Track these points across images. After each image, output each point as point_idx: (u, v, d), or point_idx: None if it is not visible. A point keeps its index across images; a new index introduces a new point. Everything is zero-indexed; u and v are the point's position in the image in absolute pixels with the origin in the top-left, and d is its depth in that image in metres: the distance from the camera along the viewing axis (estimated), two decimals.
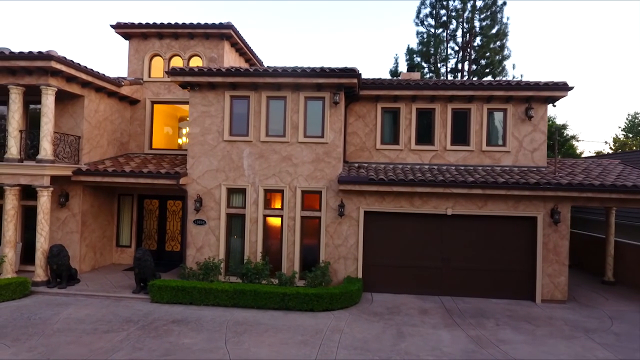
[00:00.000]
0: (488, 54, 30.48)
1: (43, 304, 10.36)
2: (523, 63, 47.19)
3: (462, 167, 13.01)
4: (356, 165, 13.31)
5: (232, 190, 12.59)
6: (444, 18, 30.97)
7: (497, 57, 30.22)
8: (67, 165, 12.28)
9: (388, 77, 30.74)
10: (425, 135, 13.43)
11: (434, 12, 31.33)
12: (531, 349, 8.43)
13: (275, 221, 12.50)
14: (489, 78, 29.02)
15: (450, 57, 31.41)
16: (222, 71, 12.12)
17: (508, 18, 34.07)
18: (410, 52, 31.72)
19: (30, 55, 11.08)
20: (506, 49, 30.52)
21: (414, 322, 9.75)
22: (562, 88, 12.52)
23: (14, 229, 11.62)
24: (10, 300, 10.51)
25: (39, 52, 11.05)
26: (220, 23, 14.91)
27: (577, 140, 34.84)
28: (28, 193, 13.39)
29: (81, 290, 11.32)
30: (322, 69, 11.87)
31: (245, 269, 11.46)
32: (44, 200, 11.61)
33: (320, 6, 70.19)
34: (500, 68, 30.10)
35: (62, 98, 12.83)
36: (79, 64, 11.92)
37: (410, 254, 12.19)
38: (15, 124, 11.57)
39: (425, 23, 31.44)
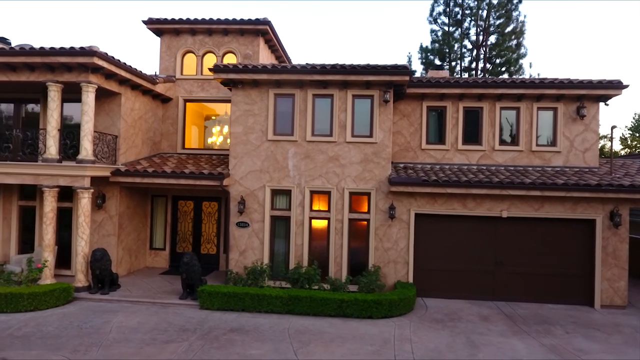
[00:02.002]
0: (504, 52, 30.12)
1: (89, 311, 9.91)
2: (538, 62, 46.84)
3: (512, 168, 12.62)
4: (401, 165, 12.91)
5: (276, 191, 12.15)
6: (458, 16, 30.61)
7: (514, 55, 29.86)
8: (106, 166, 11.82)
9: None
10: (472, 134, 13.03)
11: (448, 10, 30.93)
12: (613, 358, 8.05)
13: (321, 224, 12.08)
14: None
15: (465, 55, 31.04)
16: (268, 68, 11.68)
17: (525, 16, 33.79)
18: (425, 50, 31.34)
19: (72, 51, 10.61)
20: (522, 47, 30.12)
21: (480, 330, 9.36)
22: (616, 86, 12.14)
23: (53, 232, 11.15)
24: (55, 307, 10.05)
25: (81, 48, 10.59)
26: (257, 19, 14.46)
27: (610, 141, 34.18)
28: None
29: (125, 296, 10.86)
30: (374, 66, 11.45)
31: (296, 274, 11.03)
32: (85, 202, 11.15)
33: (325, 5, 69.69)
34: (517, 66, 29.76)
35: (98, 96, 12.32)
36: (119, 60, 11.47)
37: (461, 257, 11.80)
38: (54, 123, 11.09)
39: (439, 21, 31.07)
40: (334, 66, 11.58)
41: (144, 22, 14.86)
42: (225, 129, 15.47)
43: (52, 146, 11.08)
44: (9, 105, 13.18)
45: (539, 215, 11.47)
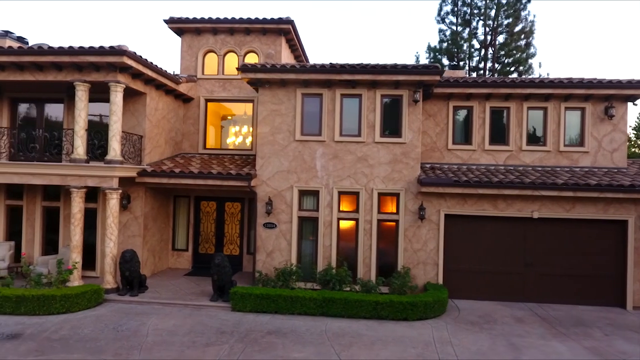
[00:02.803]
0: (513, 51, 30.04)
1: (121, 313, 9.80)
2: (547, 61, 46.88)
3: (540, 168, 12.55)
4: (428, 166, 12.82)
5: (304, 192, 12.04)
6: (467, 16, 30.54)
7: (523, 55, 29.80)
8: (133, 166, 11.71)
9: None
10: (499, 135, 12.95)
11: (456, 9, 30.86)
12: None
13: (349, 225, 11.98)
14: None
15: (473, 55, 30.96)
16: (296, 67, 11.57)
17: (535, 15, 33.73)
18: (433, 50, 31.24)
19: (101, 50, 10.49)
20: (532, 47, 30.04)
21: (518, 333, 9.27)
22: None
23: (81, 233, 11.03)
24: (86, 309, 9.93)
25: (111, 47, 10.47)
26: (280, 18, 14.35)
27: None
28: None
29: (155, 298, 10.75)
30: (404, 66, 11.35)
31: (328, 275, 10.94)
32: (114, 203, 11.03)
33: (327, 5, 69.52)
34: (527, 66, 29.69)
35: (124, 95, 12.16)
36: (146, 59, 11.35)
37: (491, 258, 11.71)
38: (82, 123, 10.96)
39: (447, 21, 31.01)
40: (363, 66, 11.48)
41: (165, 21, 14.74)
42: (245, 128, 15.34)
43: (79, 146, 10.95)
44: (31, 105, 13.05)
45: (570, 216, 11.39)
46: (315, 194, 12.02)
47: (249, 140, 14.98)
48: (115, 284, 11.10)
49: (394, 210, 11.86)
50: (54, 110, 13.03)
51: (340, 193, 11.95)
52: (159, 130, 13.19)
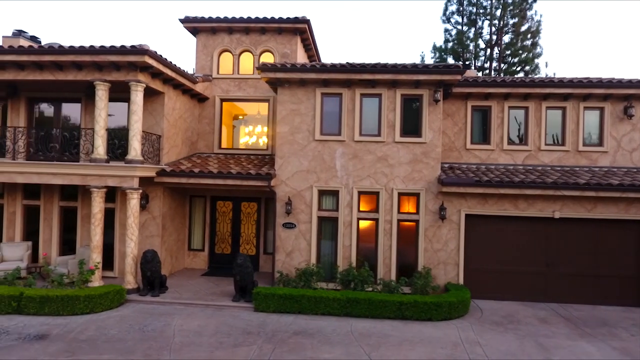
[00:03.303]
0: (519, 51, 29.97)
1: (145, 314, 9.75)
2: (552, 61, 46.87)
3: (559, 168, 12.52)
4: (446, 165, 12.78)
5: (323, 192, 12.00)
6: (473, 15, 30.48)
7: (529, 54, 29.74)
8: (153, 166, 11.67)
9: None
10: (517, 134, 12.94)
11: (462, 9, 30.80)
12: None
13: (369, 225, 11.94)
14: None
15: (479, 55, 30.90)
16: (317, 67, 11.53)
17: (541, 15, 33.67)
18: (439, 50, 31.16)
19: (122, 50, 10.44)
20: (538, 47, 29.98)
21: (544, 333, 9.24)
22: None
23: (101, 233, 10.99)
24: (109, 310, 9.89)
25: (132, 46, 10.42)
26: (296, 17, 14.30)
27: None
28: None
29: (176, 299, 10.70)
30: (425, 65, 11.32)
31: (350, 276, 10.90)
32: (134, 203, 10.99)
33: (331, 5, 69.41)
34: (533, 66, 29.64)
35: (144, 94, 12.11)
36: (166, 59, 11.30)
37: (512, 259, 11.67)
38: (102, 123, 10.91)
39: (452, 20, 30.94)
40: (384, 65, 11.44)
41: (181, 20, 14.69)
42: (258, 128, 15.28)
43: (100, 146, 10.90)
44: (48, 104, 13.00)
45: (592, 216, 11.35)
46: (334, 193, 11.98)
47: (264, 140, 14.91)
48: (135, 284, 11.05)
49: (414, 210, 11.83)
50: (71, 110, 12.97)
51: (360, 193, 11.91)
52: (176, 130, 13.15)
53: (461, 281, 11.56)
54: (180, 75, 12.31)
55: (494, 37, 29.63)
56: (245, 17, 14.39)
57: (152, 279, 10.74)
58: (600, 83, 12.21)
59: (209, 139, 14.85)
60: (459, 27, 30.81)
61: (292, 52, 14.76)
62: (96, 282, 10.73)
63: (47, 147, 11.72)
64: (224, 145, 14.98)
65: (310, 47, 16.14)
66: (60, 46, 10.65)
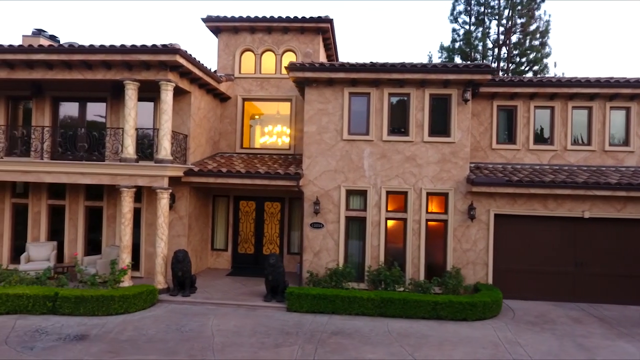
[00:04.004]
0: (528, 51, 29.94)
1: (179, 314, 9.71)
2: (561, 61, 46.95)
3: (585, 168, 12.51)
4: (472, 165, 12.75)
5: (351, 191, 11.97)
6: (481, 15, 30.45)
7: (538, 54, 29.72)
8: (181, 166, 11.63)
9: None
10: (543, 134, 12.93)
11: (469, 8, 30.77)
12: None
13: (397, 224, 11.92)
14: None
15: (487, 55, 30.85)
16: (346, 66, 11.50)
17: (550, 15, 33.68)
18: (447, 49, 31.11)
19: (154, 49, 10.40)
20: (547, 47, 29.95)
21: (581, 333, 9.22)
22: None
23: (131, 233, 10.95)
24: (142, 310, 9.84)
25: (164, 46, 10.38)
26: (319, 17, 14.28)
27: None
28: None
29: (207, 299, 10.67)
30: (455, 64, 11.30)
31: (383, 275, 10.86)
32: (164, 203, 10.95)
33: (335, 5, 69.36)
34: (542, 66, 29.62)
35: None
36: (195, 58, 11.26)
37: (540, 258, 11.66)
38: (131, 122, 10.87)
39: (460, 20, 30.89)
40: (414, 65, 11.42)
41: (203, 19, 14.66)
42: (279, 128, 15.23)
43: (129, 145, 10.86)
44: (73, 104, 12.94)
45: (621, 215, 11.35)
46: (362, 193, 11.95)
47: (286, 139, 14.87)
48: (165, 284, 11.01)
49: (442, 210, 11.81)
50: (96, 110, 12.91)
51: (388, 193, 11.88)
52: (200, 130, 13.11)
53: (490, 281, 11.55)
54: (207, 75, 12.28)
55: (502, 37, 29.61)
56: (268, 16, 14.36)
57: (183, 279, 10.70)
58: (627, 83, 12.21)
59: (230, 139, 14.81)
60: (467, 26, 30.76)
61: (314, 51, 14.74)
62: (126, 282, 10.68)
63: (75, 147, 11.66)
64: (245, 145, 14.94)
65: (330, 46, 16.11)
66: (91, 45, 10.61)
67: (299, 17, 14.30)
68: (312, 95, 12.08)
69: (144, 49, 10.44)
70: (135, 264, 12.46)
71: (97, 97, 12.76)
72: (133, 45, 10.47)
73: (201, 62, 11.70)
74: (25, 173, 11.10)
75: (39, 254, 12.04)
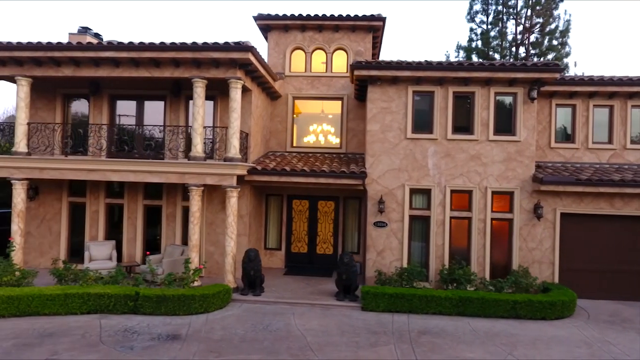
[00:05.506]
0: (547, 50, 29.91)
1: (257, 313, 9.64)
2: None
3: None
4: None
5: (415, 190, 11.93)
6: (499, 15, 30.41)
7: (557, 54, 29.70)
8: (245, 164, 11.55)
9: None
10: (602, 133, 12.90)
11: (487, 8, 30.73)
12: None
13: (462, 224, 11.87)
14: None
15: (505, 54, 30.83)
16: (412, 65, 11.45)
17: (570, 15, 33.66)
18: (465, 49, 31.00)
19: (226, 46, 10.33)
20: (567, 46, 29.93)
21: None
22: None
23: (199, 232, 10.88)
24: (220, 310, 9.77)
25: (236, 43, 10.31)
26: (372, 15, 14.23)
27: None
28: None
29: (278, 298, 10.60)
30: (522, 63, 11.28)
31: (456, 275, 10.81)
32: (234, 202, 10.88)
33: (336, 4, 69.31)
34: (563, 65, 29.59)
35: (227, 92, 11.98)
36: (262, 56, 11.18)
37: (606, 258, 11.64)
38: (200, 120, 10.79)
39: (477, 19, 30.84)
40: (480, 63, 11.41)
41: (254, 17, 14.59)
42: (328, 126, 15.11)
43: (198, 144, 10.79)
44: (130, 102, 12.85)
45: None
46: (426, 192, 11.91)
47: (337, 138, 14.79)
48: (235, 284, 10.94)
49: (508, 209, 11.77)
50: (154, 108, 12.80)
51: (453, 192, 11.84)
52: (257, 128, 13.05)
53: (556, 280, 11.52)
54: (268, 74, 12.22)
55: (519, 36, 29.59)
56: (319, 14, 14.29)
57: (254, 278, 10.63)
58: None
59: (280, 137, 14.75)
60: (484, 26, 30.73)
61: (365, 50, 14.70)
62: (196, 282, 10.61)
63: (143, 145, 11.57)
64: (295, 143, 14.87)
65: (376, 44, 16.04)
66: (162, 42, 10.51)
67: (352, 15, 14.24)
68: (375, 93, 12.02)
69: (215, 47, 10.36)
70: None
71: (156, 95, 12.67)
72: (204, 43, 10.39)
73: (265, 61, 11.63)
74: (90, 172, 11.01)
75: (100, 253, 11.95)
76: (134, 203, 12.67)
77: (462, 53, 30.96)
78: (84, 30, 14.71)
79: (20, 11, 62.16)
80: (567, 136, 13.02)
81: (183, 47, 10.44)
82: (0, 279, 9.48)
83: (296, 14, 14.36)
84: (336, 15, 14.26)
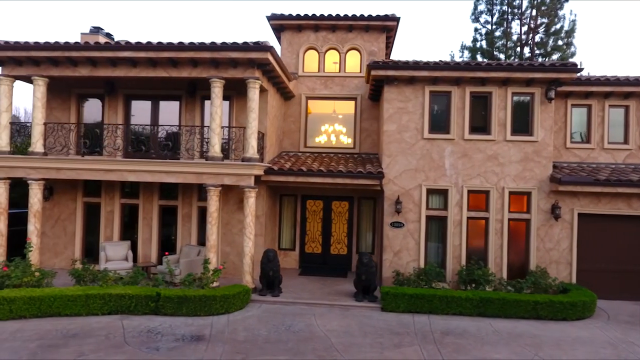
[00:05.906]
0: (552, 51, 29.87)
1: (277, 314, 9.61)
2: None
3: None
4: None
5: (432, 191, 11.90)
6: (504, 15, 30.37)
7: (563, 54, 29.66)
8: (262, 164, 11.52)
9: None
10: (618, 133, 12.87)
11: (491, 8, 30.69)
12: None
13: (479, 224, 11.85)
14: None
15: (510, 55, 30.79)
16: (429, 65, 11.42)
17: (576, 15, 33.62)
18: (469, 49, 30.95)
19: (245, 46, 10.30)
20: (572, 46, 29.88)
21: None
22: None
23: (217, 232, 10.85)
24: (240, 310, 9.74)
25: (255, 43, 10.28)
26: (386, 15, 14.20)
27: None
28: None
29: (297, 299, 10.57)
30: (540, 63, 11.26)
31: (475, 275, 10.77)
32: (252, 202, 10.85)
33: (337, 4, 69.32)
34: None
35: (243, 92, 11.96)
36: (279, 56, 11.16)
37: (624, 258, 11.61)
38: (218, 120, 10.76)
39: (481, 20, 30.77)
40: (498, 63, 11.37)
41: (267, 17, 14.57)
42: (341, 126, 15.06)
43: (216, 144, 10.76)
44: (145, 102, 12.82)
45: None
46: (443, 192, 11.88)
47: (350, 138, 14.75)
48: (253, 284, 10.91)
49: (525, 209, 11.75)
50: (169, 108, 12.77)
51: (470, 192, 11.82)
52: (272, 129, 13.03)
53: (574, 280, 11.50)
54: (284, 74, 12.19)
55: (524, 36, 29.56)
56: (333, 14, 14.27)
57: (273, 278, 10.60)
58: None
59: (293, 137, 14.72)
60: (489, 26, 30.68)
61: (379, 50, 14.67)
62: (215, 282, 10.57)
63: (159, 145, 11.55)
64: (309, 143, 14.83)
65: (389, 44, 16.02)
66: (180, 42, 10.47)
67: (365, 15, 14.22)
68: (391, 93, 12.00)
69: (234, 47, 10.33)
70: None
71: (171, 95, 12.64)
72: (223, 43, 10.36)
73: (282, 61, 11.60)
74: (107, 172, 10.97)
75: (116, 254, 11.91)
76: (149, 203, 12.64)
77: (466, 53, 30.94)
78: (96, 30, 14.68)
79: (24, 11, 62.17)
80: (582, 136, 13.00)
81: (202, 47, 10.41)
82: (21, 280, 9.45)
83: (310, 14, 14.33)
84: (350, 15, 14.23)
